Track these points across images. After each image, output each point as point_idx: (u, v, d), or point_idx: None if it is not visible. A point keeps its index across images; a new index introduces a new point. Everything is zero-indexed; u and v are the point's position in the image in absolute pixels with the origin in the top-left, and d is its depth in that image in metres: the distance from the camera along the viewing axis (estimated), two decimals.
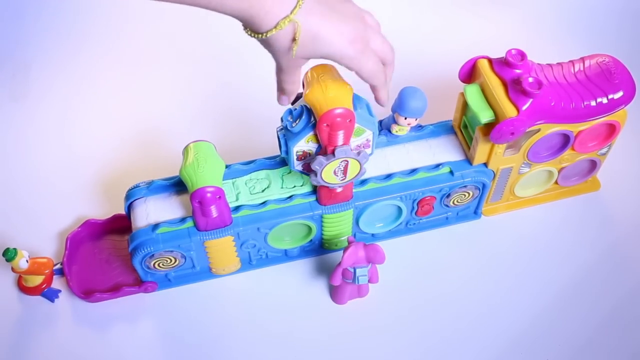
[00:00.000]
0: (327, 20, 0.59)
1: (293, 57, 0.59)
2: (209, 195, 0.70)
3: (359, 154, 0.70)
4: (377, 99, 0.68)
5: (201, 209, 0.71)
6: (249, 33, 0.59)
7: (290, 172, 0.77)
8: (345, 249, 0.73)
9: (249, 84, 1.02)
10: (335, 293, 0.80)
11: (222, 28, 1.11)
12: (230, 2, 0.55)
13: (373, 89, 0.67)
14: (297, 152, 0.70)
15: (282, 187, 0.77)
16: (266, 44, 0.59)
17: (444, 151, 0.81)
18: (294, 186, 0.77)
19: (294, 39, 0.57)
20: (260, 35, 0.58)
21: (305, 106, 0.68)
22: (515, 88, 0.73)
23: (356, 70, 0.62)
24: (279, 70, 0.63)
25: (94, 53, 1.08)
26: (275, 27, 0.56)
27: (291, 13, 0.56)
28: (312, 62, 0.69)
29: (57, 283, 0.82)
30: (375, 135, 0.70)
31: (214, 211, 0.72)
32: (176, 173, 0.75)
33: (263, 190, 0.76)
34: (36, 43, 1.09)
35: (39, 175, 0.93)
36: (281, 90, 0.65)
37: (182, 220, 0.74)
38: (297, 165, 0.72)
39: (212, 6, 0.56)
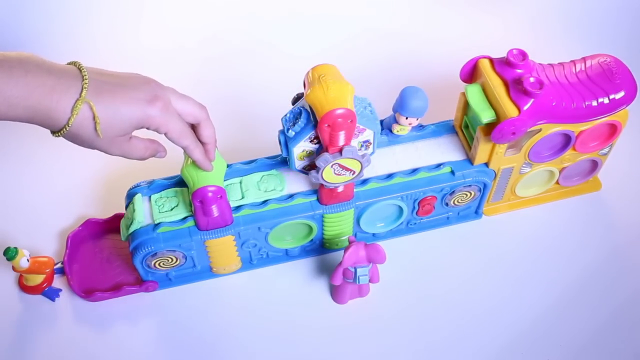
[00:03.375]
0: (119, 93, 0.58)
1: (101, 137, 0.58)
2: (210, 194, 0.70)
3: (362, 156, 0.70)
4: (195, 163, 0.68)
5: (202, 208, 0.71)
6: (55, 134, 0.58)
7: (261, 179, 0.77)
8: (346, 249, 0.73)
9: (251, 84, 1.02)
10: (336, 293, 0.80)
11: (224, 29, 1.11)
12: (17, 105, 0.54)
13: (186, 149, 0.66)
14: (298, 152, 0.70)
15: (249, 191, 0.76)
16: (74, 136, 0.58)
17: (445, 151, 0.81)
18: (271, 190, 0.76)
19: (94, 120, 0.57)
20: (64, 130, 0.57)
21: (305, 107, 0.68)
22: (516, 88, 0.72)
23: (164, 131, 0.62)
24: (116, 155, 0.63)
25: (94, 53, 1.07)
26: (72, 114, 0.56)
27: (80, 95, 0.56)
28: (313, 62, 0.69)
29: (57, 282, 0.82)
30: (376, 135, 0.70)
31: (215, 210, 0.72)
32: (177, 172, 0.75)
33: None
34: (35, 43, 1.08)
35: (39, 174, 0.93)
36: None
37: (183, 219, 0.74)
38: (299, 166, 0.72)
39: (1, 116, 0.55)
